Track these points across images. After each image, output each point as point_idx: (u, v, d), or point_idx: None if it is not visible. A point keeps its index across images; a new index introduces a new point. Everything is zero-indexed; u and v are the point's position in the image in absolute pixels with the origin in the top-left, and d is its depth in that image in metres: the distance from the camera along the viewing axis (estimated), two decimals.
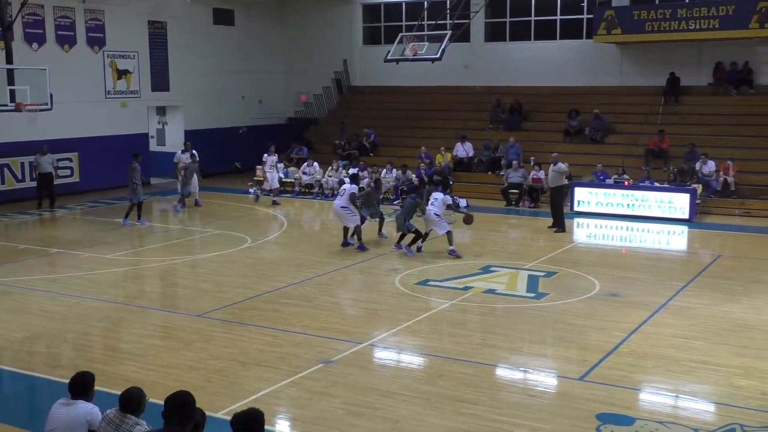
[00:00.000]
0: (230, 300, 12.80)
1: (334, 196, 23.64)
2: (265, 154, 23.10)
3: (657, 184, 20.88)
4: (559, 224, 18.75)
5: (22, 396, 9.54)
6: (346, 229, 16.66)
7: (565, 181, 19.26)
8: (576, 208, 21.07)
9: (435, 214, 15.95)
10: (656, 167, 22.17)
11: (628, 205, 20.55)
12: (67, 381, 6.40)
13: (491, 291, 13.42)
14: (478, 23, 27.60)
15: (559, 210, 18.86)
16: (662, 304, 12.53)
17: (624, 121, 24.97)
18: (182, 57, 27.40)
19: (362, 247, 16.36)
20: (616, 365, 9.87)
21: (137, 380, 8.69)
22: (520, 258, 16.02)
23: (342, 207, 16.43)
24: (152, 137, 28.31)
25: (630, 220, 20.17)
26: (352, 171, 22.15)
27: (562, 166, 18.69)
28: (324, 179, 24.29)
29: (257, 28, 30.33)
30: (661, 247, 18.54)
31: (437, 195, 16.24)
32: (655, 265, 15.97)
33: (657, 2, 25.21)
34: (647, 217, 20.15)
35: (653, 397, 9.08)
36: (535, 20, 27.43)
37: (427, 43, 23.35)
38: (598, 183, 21.47)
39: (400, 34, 24.38)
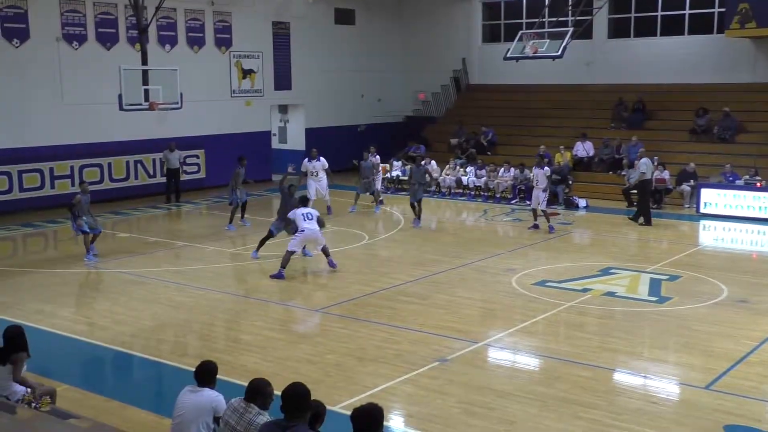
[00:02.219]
0: (347, 296, 13.00)
1: (451, 194, 23.83)
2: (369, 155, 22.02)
3: None
4: (646, 218, 19.09)
5: (151, 382, 10.01)
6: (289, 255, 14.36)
7: (650, 176, 19.69)
8: (702, 210, 20.28)
9: (311, 229, 14.26)
10: None
11: (760, 207, 19.58)
12: (192, 369, 6.67)
13: (611, 294, 13.09)
14: (601, 19, 26.92)
15: (646, 203, 19.28)
16: None
17: (757, 119, 23.78)
18: (304, 56, 28.00)
19: (280, 275, 14.26)
20: (746, 375, 9.44)
21: (258, 371, 8.96)
22: (642, 261, 15.54)
23: (311, 230, 14.35)
24: (274, 135, 29.09)
25: (762, 223, 19.21)
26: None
27: (647, 160, 19.38)
28: (441, 178, 24.33)
29: (377, 27, 30.65)
30: None
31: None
32: None
33: None
34: None
35: None
36: (661, 15, 26.52)
37: (547, 41, 22.96)
38: (727, 184, 20.56)
39: (520, 32, 24.08)
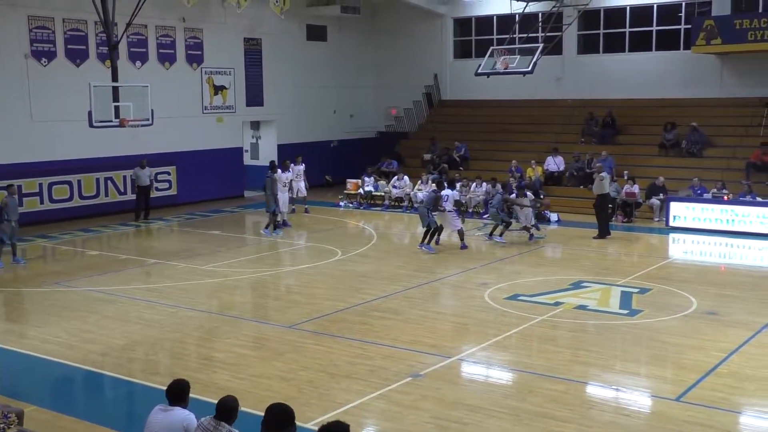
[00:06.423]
0: (320, 312, 12.96)
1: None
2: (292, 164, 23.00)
3: (759, 199, 20.09)
4: (601, 230, 19.33)
5: (122, 401, 9.89)
6: (431, 232, 17.90)
7: (607, 190, 19.81)
8: (671, 224, 20.50)
9: (449, 210, 17.99)
10: (758, 181, 21.33)
11: (727, 220, 19.85)
12: (164, 388, 6.61)
13: (583, 307, 13.18)
14: (570, 36, 27.22)
15: (604, 217, 19.50)
16: (765, 324, 12.03)
17: (723, 134, 24.14)
18: (276, 72, 28.01)
19: (465, 246, 18.03)
20: (715, 386, 9.53)
21: (230, 389, 8.90)
22: (613, 274, 15.68)
23: (449, 211, 17.95)
24: (246, 151, 29.00)
25: (730, 236, 19.47)
26: (435, 177, 22.23)
27: (605, 175, 19.71)
28: (413, 193, 24.37)
29: (349, 43, 30.74)
30: (764, 265, 17.81)
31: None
32: (757, 283, 15.32)
33: (761, 11, 24.32)
34: (748, 233, 19.40)
35: (756, 421, 8.73)
36: (629, 32, 26.88)
37: (518, 57, 23.19)
38: (696, 197, 20.82)
39: (491, 48, 24.29)
